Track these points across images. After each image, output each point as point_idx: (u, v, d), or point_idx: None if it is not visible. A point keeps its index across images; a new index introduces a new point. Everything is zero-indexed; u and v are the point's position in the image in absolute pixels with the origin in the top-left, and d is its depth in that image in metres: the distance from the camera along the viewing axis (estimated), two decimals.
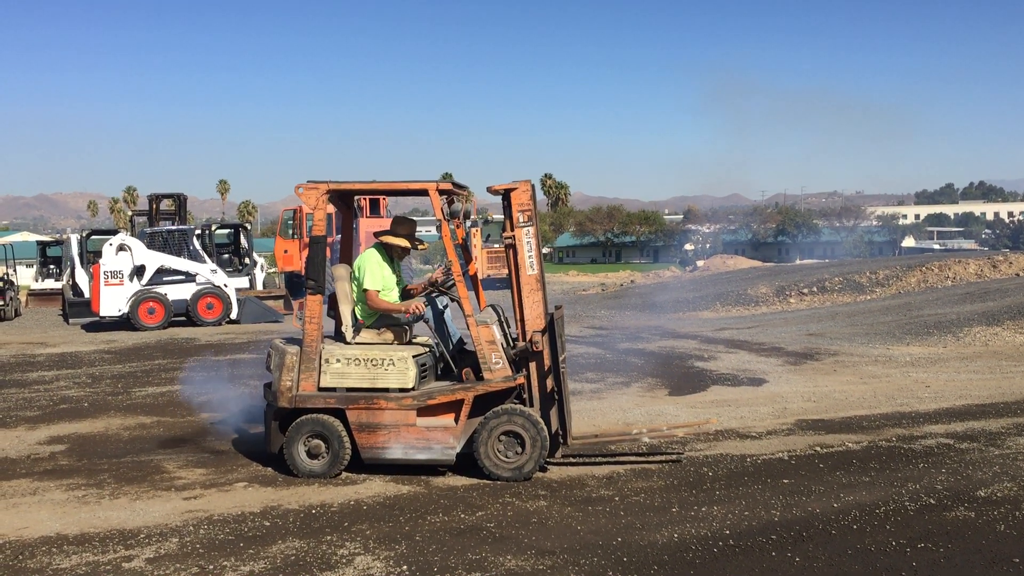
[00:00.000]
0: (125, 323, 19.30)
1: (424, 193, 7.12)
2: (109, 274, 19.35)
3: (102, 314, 19.39)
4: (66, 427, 8.95)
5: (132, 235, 22.27)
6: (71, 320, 21.85)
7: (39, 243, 34.29)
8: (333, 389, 6.85)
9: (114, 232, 25.00)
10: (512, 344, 7.17)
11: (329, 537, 5.56)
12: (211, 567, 5.09)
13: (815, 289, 24.55)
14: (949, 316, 16.68)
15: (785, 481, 6.67)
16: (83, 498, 6.50)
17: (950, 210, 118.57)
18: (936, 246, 77.33)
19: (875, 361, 12.77)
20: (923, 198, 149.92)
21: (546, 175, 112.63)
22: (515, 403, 6.89)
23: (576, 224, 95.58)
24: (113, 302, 19.30)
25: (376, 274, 7.08)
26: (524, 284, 7.08)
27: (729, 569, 4.98)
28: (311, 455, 6.87)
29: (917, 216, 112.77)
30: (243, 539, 5.55)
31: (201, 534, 5.65)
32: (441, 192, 7.04)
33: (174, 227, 22.96)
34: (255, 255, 24.84)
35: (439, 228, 7.01)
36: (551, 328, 6.96)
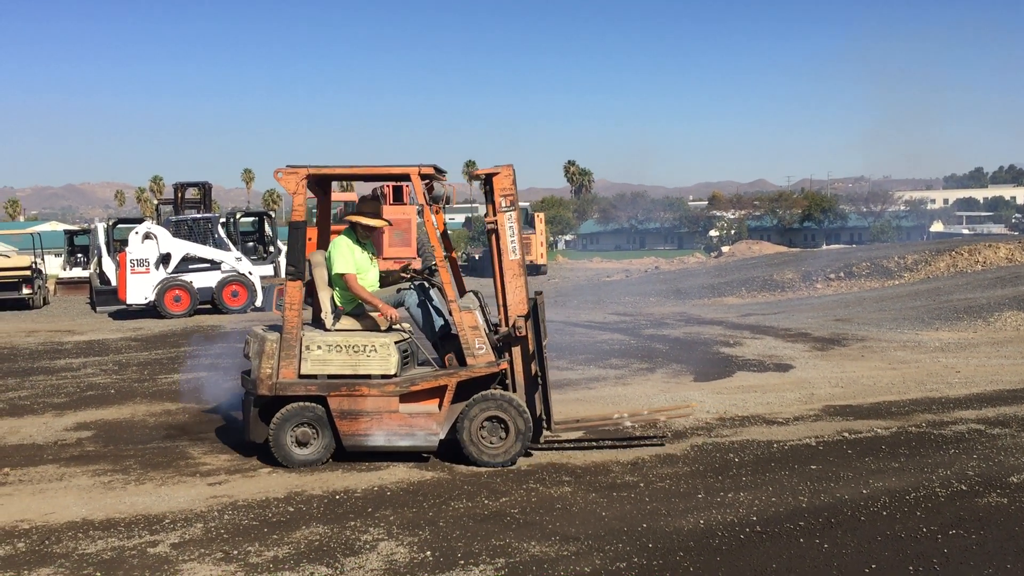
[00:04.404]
0: (151, 311, 19.45)
1: (406, 178, 7.04)
2: (135, 262, 19.49)
3: (129, 302, 19.55)
4: (93, 414, 9.01)
5: (158, 223, 22.37)
6: (98, 308, 22.02)
7: (67, 232, 34.52)
8: (314, 376, 6.76)
9: (140, 221, 25.14)
10: (493, 330, 7.12)
11: (353, 523, 5.55)
12: (235, 552, 5.09)
13: (842, 274, 24.33)
14: (979, 301, 16.46)
15: (813, 467, 6.59)
16: (109, 484, 6.53)
17: (979, 194, 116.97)
18: (965, 231, 76.33)
19: (904, 346, 12.61)
20: (952, 182, 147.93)
21: (569, 162, 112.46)
22: (498, 388, 6.86)
23: (600, 211, 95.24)
24: (139, 290, 19.45)
25: (347, 258, 6.97)
26: (507, 269, 7.02)
27: (756, 556, 4.92)
28: (299, 443, 6.77)
29: (946, 201, 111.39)
30: (267, 524, 5.55)
31: (226, 519, 5.66)
32: (423, 177, 6.96)
33: (199, 215, 23.03)
34: (279, 243, 24.90)
35: (421, 213, 6.86)
36: (534, 313, 6.89)
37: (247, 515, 5.73)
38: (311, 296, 7.20)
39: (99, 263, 25.06)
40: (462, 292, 7.44)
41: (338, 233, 7.24)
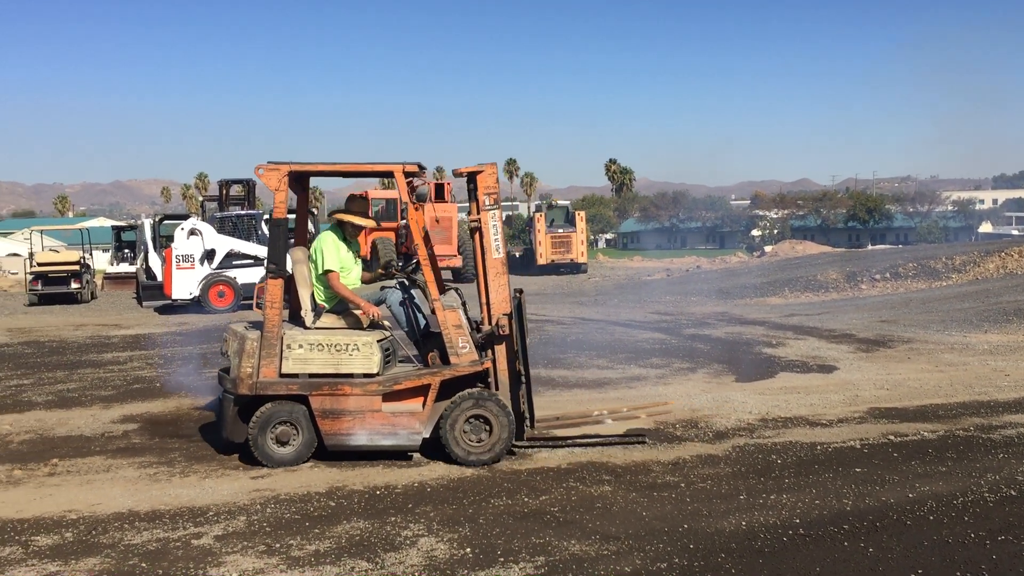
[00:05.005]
0: (196, 306, 19.70)
1: (390, 175, 7.00)
2: (181, 258, 19.76)
3: (174, 297, 19.82)
4: (139, 407, 9.15)
5: (203, 220, 22.66)
6: (145, 303, 22.36)
7: (114, 228, 34.99)
8: (295, 375, 6.69)
9: (185, 217, 25.46)
10: (476, 328, 7.07)
11: (393, 518, 5.58)
12: (277, 545, 5.14)
13: (888, 275, 23.97)
14: None
15: (857, 470, 6.49)
16: (154, 476, 6.63)
17: None
18: (1015, 231, 74.71)
19: (951, 349, 12.38)
20: (1001, 182, 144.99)
21: (611, 160, 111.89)
22: (481, 387, 6.83)
23: (640, 209, 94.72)
24: (184, 285, 19.72)
25: (332, 255, 6.94)
26: (490, 268, 6.98)
27: (799, 558, 4.86)
28: (279, 442, 6.71)
29: (995, 201, 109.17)
30: (309, 518, 5.60)
31: (268, 513, 5.71)
32: (407, 175, 6.92)
33: (243, 212, 23.30)
34: None
35: (406, 211, 6.79)
36: (517, 311, 6.87)
37: (289, 509, 5.78)
38: (288, 293, 7.15)
39: (145, 259, 25.42)
40: (443, 291, 7.41)
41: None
